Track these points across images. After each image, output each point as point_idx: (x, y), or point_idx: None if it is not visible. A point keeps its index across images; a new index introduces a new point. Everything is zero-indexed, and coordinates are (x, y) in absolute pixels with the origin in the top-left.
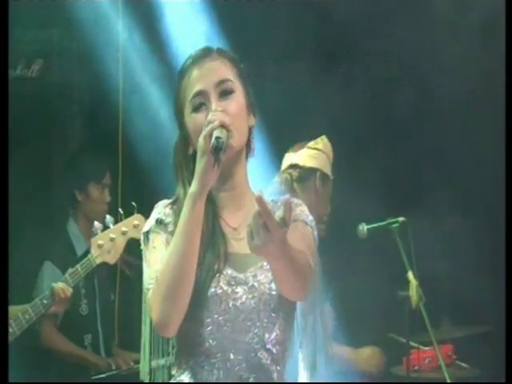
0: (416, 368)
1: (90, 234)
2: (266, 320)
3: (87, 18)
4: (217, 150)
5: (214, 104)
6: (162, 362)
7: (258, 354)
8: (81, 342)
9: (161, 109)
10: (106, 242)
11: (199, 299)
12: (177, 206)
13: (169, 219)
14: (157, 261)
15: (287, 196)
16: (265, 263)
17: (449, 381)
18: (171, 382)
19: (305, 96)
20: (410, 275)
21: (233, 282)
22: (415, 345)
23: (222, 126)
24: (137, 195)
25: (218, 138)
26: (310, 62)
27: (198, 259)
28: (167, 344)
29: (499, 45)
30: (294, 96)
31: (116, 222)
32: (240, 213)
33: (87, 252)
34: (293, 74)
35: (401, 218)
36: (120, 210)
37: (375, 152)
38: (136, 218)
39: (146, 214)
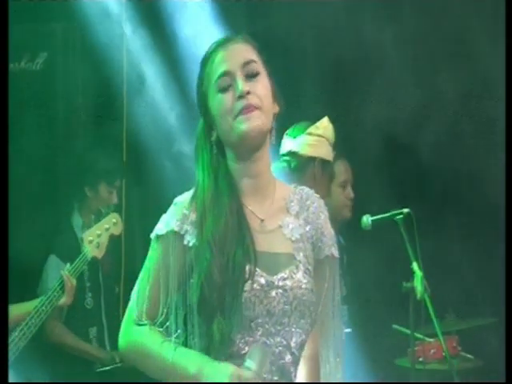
0: (421, 359)
1: None
2: (295, 325)
3: (91, 11)
4: None
5: (241, 84)
6: None
7: (283, 357)
8: (86, 335)
9: (165, 102)
10: (94, 238)
11: (232, 303)
12: (196, 198)
13: (186, 227)
14: (148, 279)
15: (314, 193)
16: (294, 267)
17: (454, 372)
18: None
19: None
20: (415, 266)
21: (266, 288)
22: (420, 336)
23: None
24: (141, 195)
25: None
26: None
27: (227, 254)
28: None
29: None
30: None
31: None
32: (267, 202)
33: None
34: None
35: (405, 210)
36: (101, 208)
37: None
38: (113, 217)
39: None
